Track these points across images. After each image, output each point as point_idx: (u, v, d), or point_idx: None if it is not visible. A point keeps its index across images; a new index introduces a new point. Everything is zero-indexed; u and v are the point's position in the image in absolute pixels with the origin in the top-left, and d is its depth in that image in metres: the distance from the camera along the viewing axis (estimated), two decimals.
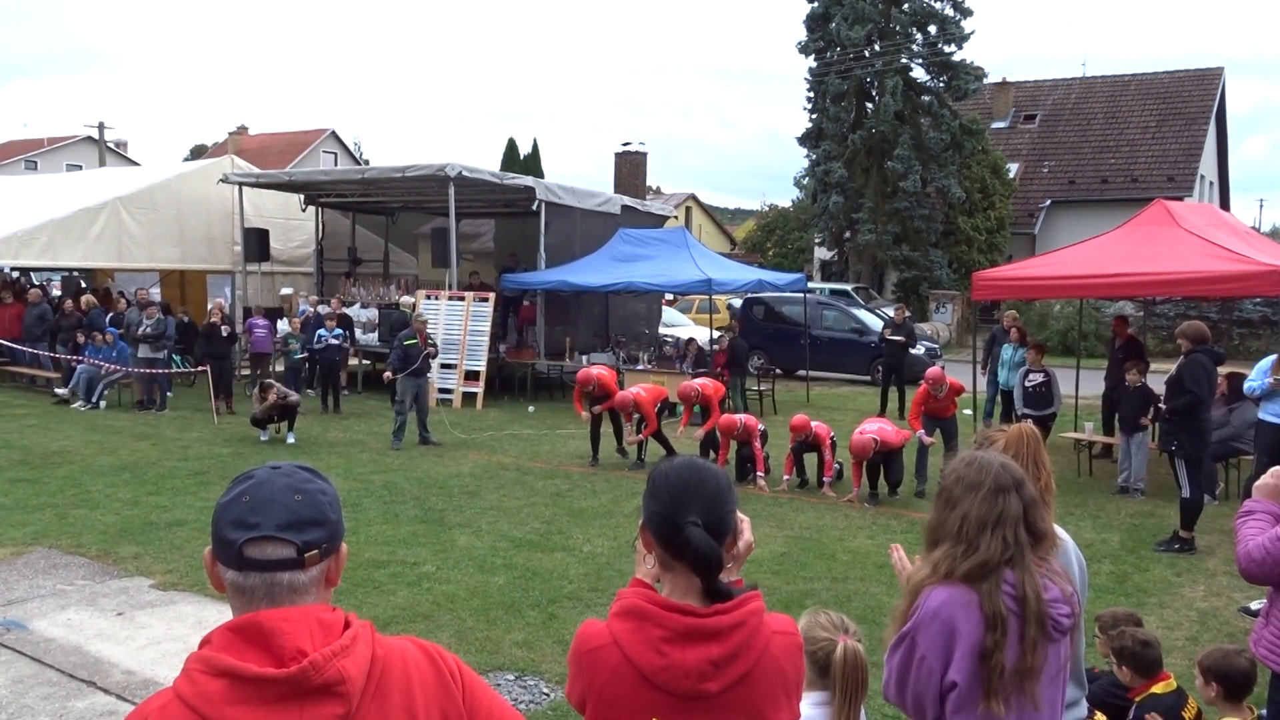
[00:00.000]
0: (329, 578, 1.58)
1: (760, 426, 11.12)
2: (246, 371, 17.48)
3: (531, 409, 16.58)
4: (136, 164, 45.70)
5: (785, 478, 10.89)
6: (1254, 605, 6.75)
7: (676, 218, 31.24)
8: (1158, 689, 4.22)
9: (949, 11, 31.29)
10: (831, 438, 10.65)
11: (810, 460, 11.00)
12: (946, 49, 31.32)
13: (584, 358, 17.28)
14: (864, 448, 9.84)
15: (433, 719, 1.56)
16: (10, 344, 17.44)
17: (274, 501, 1.52)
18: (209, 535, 1.56)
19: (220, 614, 1.50)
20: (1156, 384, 10.12)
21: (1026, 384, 12.11)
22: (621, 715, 1.91)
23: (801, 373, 19.85)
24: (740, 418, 11.01)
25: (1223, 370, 10.65)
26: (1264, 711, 4.00)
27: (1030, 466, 2.98)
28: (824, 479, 10.62)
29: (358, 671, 1.47)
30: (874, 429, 10.06)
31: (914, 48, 31.56)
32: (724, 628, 1.89)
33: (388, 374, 13.26)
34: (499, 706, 1.69)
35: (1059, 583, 2.48)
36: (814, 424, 10.63)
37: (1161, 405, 9.41)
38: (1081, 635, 3.13)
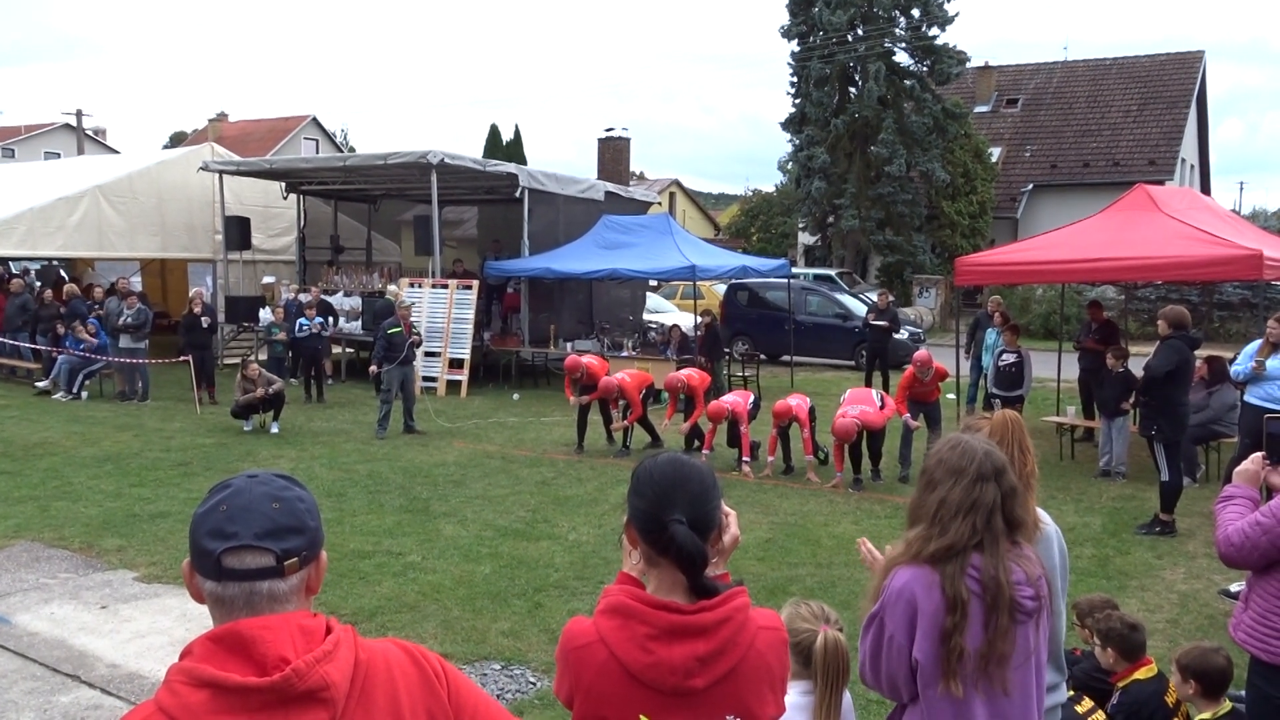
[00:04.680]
0: (309, 586, 1.57)
1: (749, 402, 11.12)
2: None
3: (516, 397, 16.57)
4: (115, 151, 45.26)
5: (770, 459, 10.93)
6: (1233, 587, 6.82)
7: (660, 204, 31.20)
8: (1140, 674, 4.26)
9: None
10: (810, 410, 10.68)
11: (795, 446, 11.03)
12: (930, 32, 31.31)
13: (569, 345, 17.27)
14: (847, 432, 9.87)
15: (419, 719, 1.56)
16: None
17: (251, 510, 1.50)
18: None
19: (205, 608, 1.49)
20: (1137, 368, 10.18)
21: (999, 363, 12.24)
22: (609, 712, 1.92)
23: (786, 358, 19.90)
24: (728, 404, 11.01)
25: (1201, 353, 10.73)
26: (1241, 693, 4.04)
27: (1014, 452, 3.02)
28: (806, 457, 10.64)
29: (341, 677, 1.46)
30: (855, 411, 10.07)
31: (897, 31, 31.54)
32: (709, 624, 1.90)
33: (373, 368, 13.22)
34: (485, 703, 1.69)
35: (1025, 565, 2.51)
36: (793, 404, 10.66)
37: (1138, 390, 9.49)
38: (1062, 619, 3.16)
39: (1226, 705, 4.05)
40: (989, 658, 2.43)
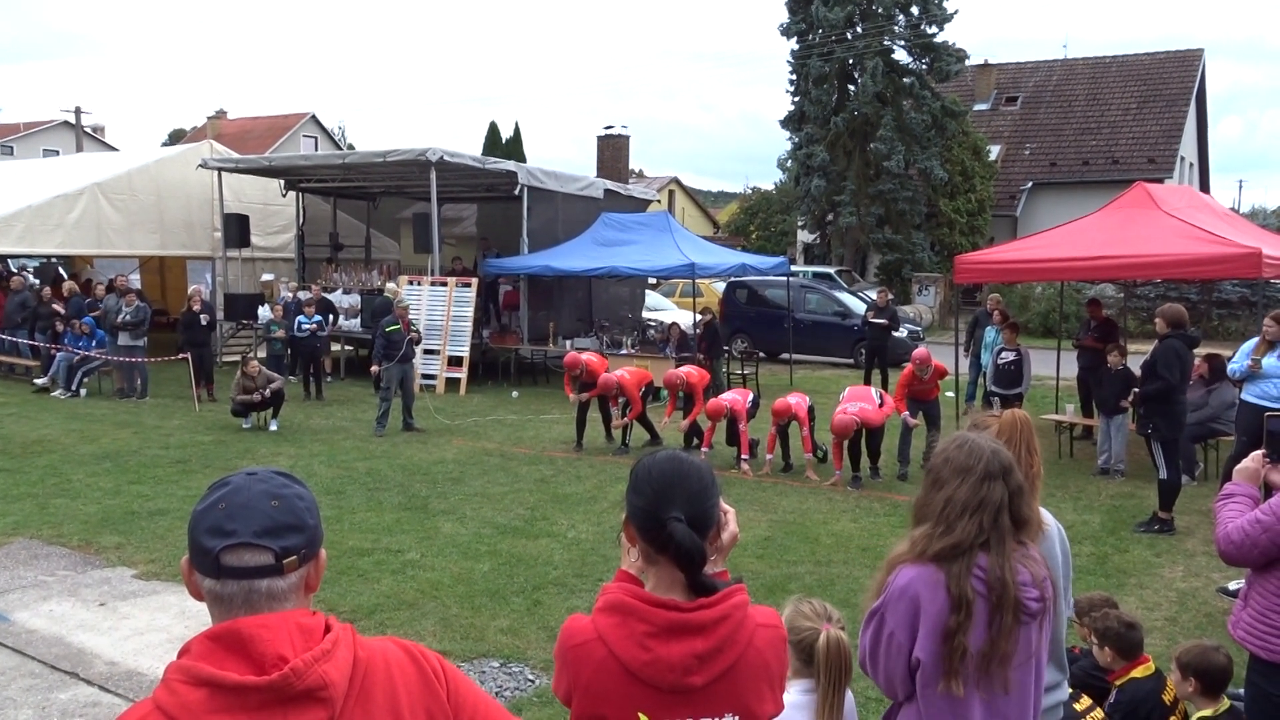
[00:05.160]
0: (308, 584, 1.56)
1: (748, 400, 11.12)
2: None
3: (515, 394, 16.56)
4: (114, 149, 45.23)
5: (769, 457, 10.93)
6: (1232, 586, 6.82)
7: (659, 201, 31.20)
8: (1138, 673, 4.26)
9: None
10: (809, 408, 10.68)
11: (794, 444, 11.03)
12: (929, 30, 31.30)
13: (568, 342, 17.26)
14: (846, 427, 9.86)
15: (418, 719, 1.56)
16: None
17: (250, 508, 1.49)
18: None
19: (203, 605, 1.49)
20: (1136, 366, 10.18)
21: (999, 361, 12.26)
22: (607, 709, 1.92)
23: (785, 356, 19.89)
24: (726, 401, 11.00)
25: (1200, 351, 10.73)
26: (1240, 690, 4.05)
27: (1022, 453, 3.00)
28: (805, 455, 10.64)
29: (340, 676, 1.46)
30: (855, 409, 10.07)
31: (896, 29, 31.53)
32: (708, 622, 1.90)
33: (374, 368, 13.20)
34: (484, 702, 1.69)
35: (1031, 567, 2.50)
36: (793, 402, 10.66)
37: (1137, 389, 9.48)
38: (1063, 618, 3.15)
39: (1225, 703, 4.04)
40: (991, 657, 2.42)
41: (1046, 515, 3.06)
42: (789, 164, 35.14)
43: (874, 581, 2.66)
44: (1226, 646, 4.20)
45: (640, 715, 1.91)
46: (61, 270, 22.57)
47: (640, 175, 53.39)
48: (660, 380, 12.74)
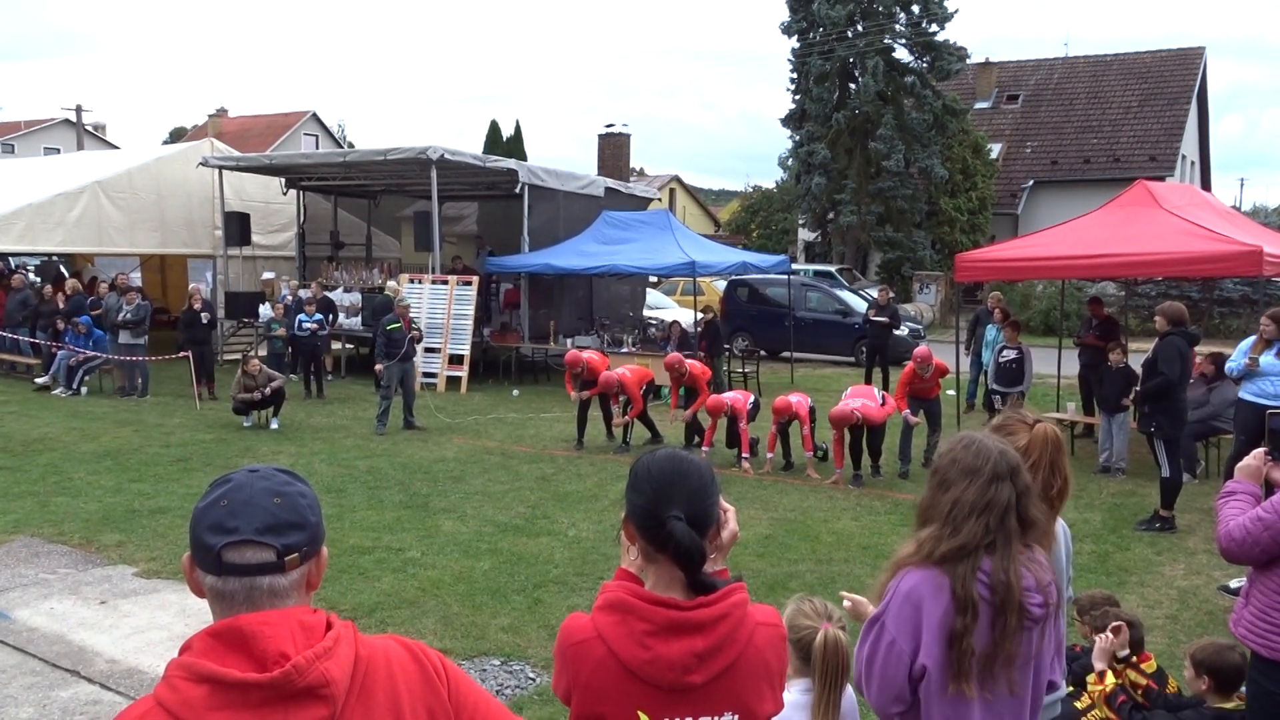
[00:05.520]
0: (310, 581, 1.56)
1: (749, 401, 11.12)
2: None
3: (516, 393, 16.56)
4: (115, 147, 45.23)
5: (769, 455, 10.93)
6: (1233, 584, 6.82)
7: (660, 200, 31.18)
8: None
9: None
10: (810, 408, 10.68)
11: (795, 442, 11.03)
12: (930, 28, 31.29)
13: (568, 341, 17.26)
14: (845, 417, 9.86)
15: (419, 717, 1.56)
16: None
17: (252, 505, 1.49)
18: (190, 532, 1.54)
19: (204, 603, 1.50)
20: (1137, 364, 10.18)
21: (1000, 359, 12.26)
22: (606, 708, 1.92)
23: (786, 354, 19.89)
24: (728, 399, 11.00)
25: (1202, 350, 10.73)
26: (1243, 688, 4.04)
27: (1045, 472, 2.86)
28: (806, 454, 10.64)
29: (341, 673, 1.46)
30: (857, 404, 10.07)
31: (897, 27, 31.52)
32: (707, 620, 1.90)
33: (378, 367, 13.21)
34: (485, 701, 1.69)
35: (1035, 571, 2.48)
36: (794, 401, 10.66)
37: (1138, 388, 9.48)
38: (1063, 617, 3.14)
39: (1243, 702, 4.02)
40: (994, 659, 2.40)
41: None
42: (790, 162, 35.16)
43: (877, 584, 2.64)
44: (1240, 646, 4.19)
45: (640, 714, 1.91)
46: (63, 269, 22.57)
47: (641, 173, 53.35)
48: (661, 371, 12.72)
